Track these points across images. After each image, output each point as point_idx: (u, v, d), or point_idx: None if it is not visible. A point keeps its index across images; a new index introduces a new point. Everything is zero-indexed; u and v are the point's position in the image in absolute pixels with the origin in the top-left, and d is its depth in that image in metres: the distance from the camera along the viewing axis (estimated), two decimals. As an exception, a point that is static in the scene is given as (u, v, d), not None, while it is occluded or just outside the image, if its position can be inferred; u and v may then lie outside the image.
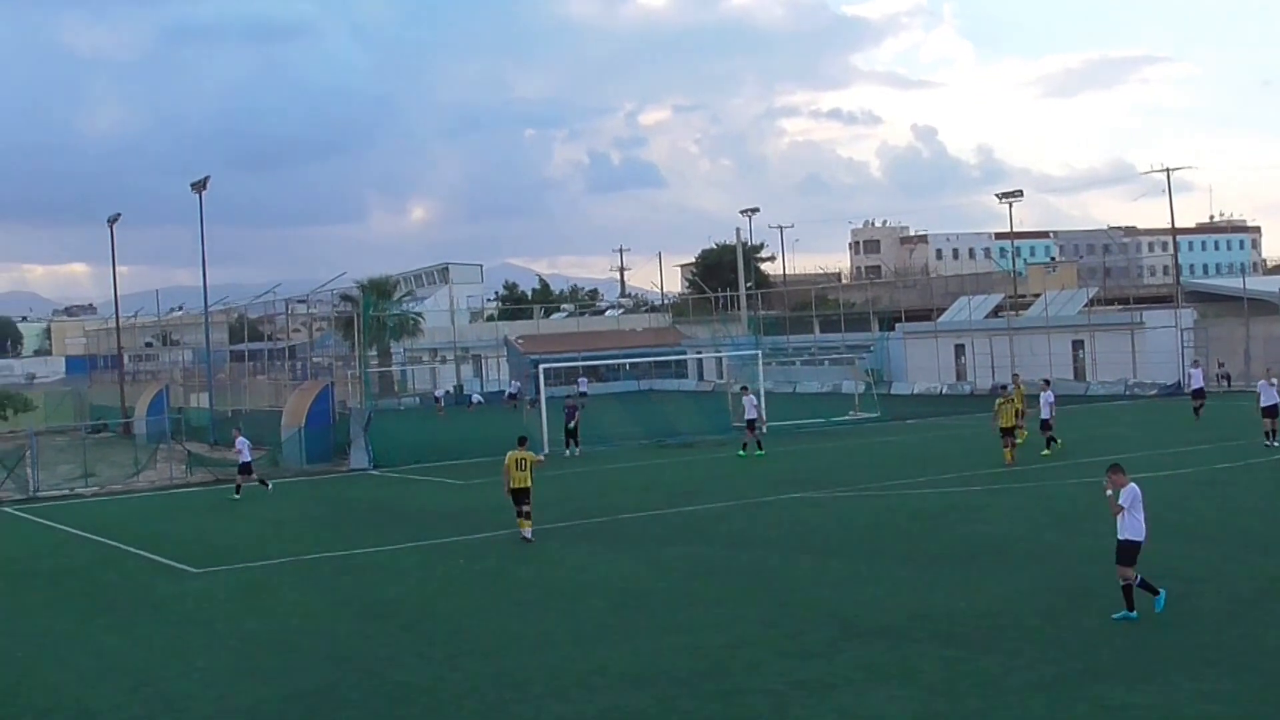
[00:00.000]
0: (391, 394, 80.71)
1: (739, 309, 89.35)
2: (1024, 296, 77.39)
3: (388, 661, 15.68)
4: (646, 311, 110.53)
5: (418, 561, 23.34)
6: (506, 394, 76.19)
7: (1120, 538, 15.67)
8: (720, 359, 74.57)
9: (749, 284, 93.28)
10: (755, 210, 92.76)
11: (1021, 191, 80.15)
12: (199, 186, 56.57)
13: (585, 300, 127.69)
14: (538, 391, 48.60)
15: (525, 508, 24.12)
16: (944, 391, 66.73)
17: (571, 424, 43.04)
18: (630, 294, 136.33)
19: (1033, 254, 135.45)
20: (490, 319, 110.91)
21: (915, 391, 67.80)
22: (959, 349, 70.87)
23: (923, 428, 46.95)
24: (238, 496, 34.22)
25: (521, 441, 25.00)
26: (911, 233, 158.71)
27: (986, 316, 72.12)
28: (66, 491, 39.19)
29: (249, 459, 35.08)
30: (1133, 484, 15.90)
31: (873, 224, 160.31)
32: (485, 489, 34.19)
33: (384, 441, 43.06)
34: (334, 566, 23.20)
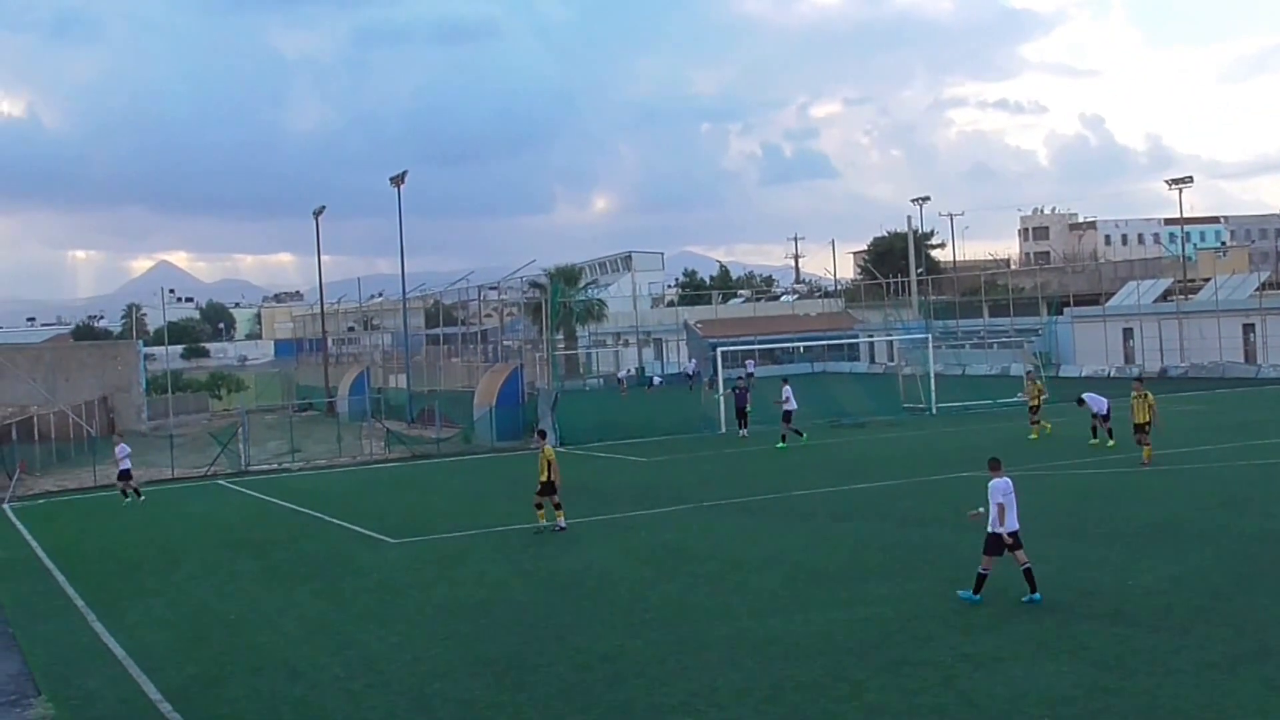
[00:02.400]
0: (577, 375, 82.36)
1: (910, 294, 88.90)
2: (1193, 281, 76.35)
3: (572, 629, 16.33)
4: (820, 297, 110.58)
5: (601, 534, 24.06)
6: (685, 374, 77.16)
7: (990, 530, 16.36)
8: (891, 342, 74.46)
9: (920, 270, 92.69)
10: (926, 199, 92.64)
11: (1191, 178, 77.79)
12: (397, 181, 58.82)
13: (761, 286, 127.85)
14: (715, 373, 49.21)
15: (556, 498, 24.34)
16: (1112, 374, 65.58)
17: (747, 406, 43.53)
18: (805, 280, 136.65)
19: (1203, 239, 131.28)
20: (671, 304, 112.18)
21: (1083, 374, 66.90)
22: (1127, 333, 70.23)
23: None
24: (127, 500, 32.92)
25: (543, 435, 25.64)
26: (1080, 219, 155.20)
27: (1155, 301, 71.42)
28: (275, 466, 41.29)
29: (128, 467, 33.95)
30: (1005, 479, 16.46)
31: (1041, 211, 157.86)
32: (666, 466, 35.05)
33: (570, 420, 44.26)
34: (522, 538, 24.06)
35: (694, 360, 78.66)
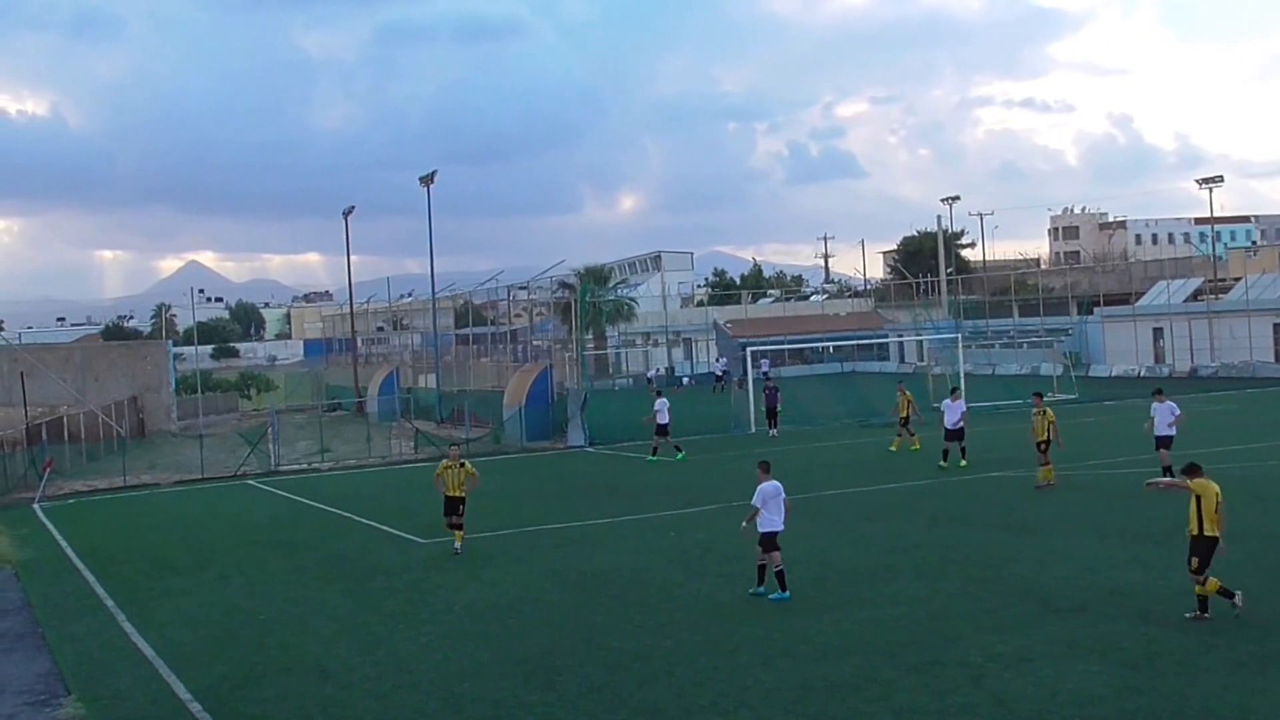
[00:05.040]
0: (606, 375, 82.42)
1: (939, 294, 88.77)
2: (1224, 280, 76.08)
3: (602, 629, 16.37)
4: (850, 297, 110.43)
5: (630, 534, 24.09)
6: (715, 375, 77.21)
7: (760, 530, 17.41)
8: (921, 342, 74.39)
9: (950, 270, 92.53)
10: (956, 198, 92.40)
11: (1222, 177, 77.27)
12: (427, 180, 58.86)
13: (791, 286, 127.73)
14: (745, 373, 49.19)
15: (456, 518, 22.81)
16: (1142, 374, 65.45)
17: (777, 406, 43.55)
18: (834, 280, 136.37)
19: (1233, 238, 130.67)
20: (700, 304, 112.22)
21: (1113, 374, 66.80)
22: (1157, 332, 70.16)
23: (1121, 409, 45.90)
24: None
25: (452, 449, 24.30)
26: (1110, 219, 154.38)
27: (1185, 300, 71.26)
28: (305, 466, 41.48)
29: None
30: (772, 481, 17.57)
31: (1071, 210, 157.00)
32: (695, 465, 34.99)
33: (599, 420, 44.30)
34: (551, 538, 24.17)
35: (725, 359, 78.73)
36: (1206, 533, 15.00)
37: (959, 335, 56.88)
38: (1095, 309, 74.93)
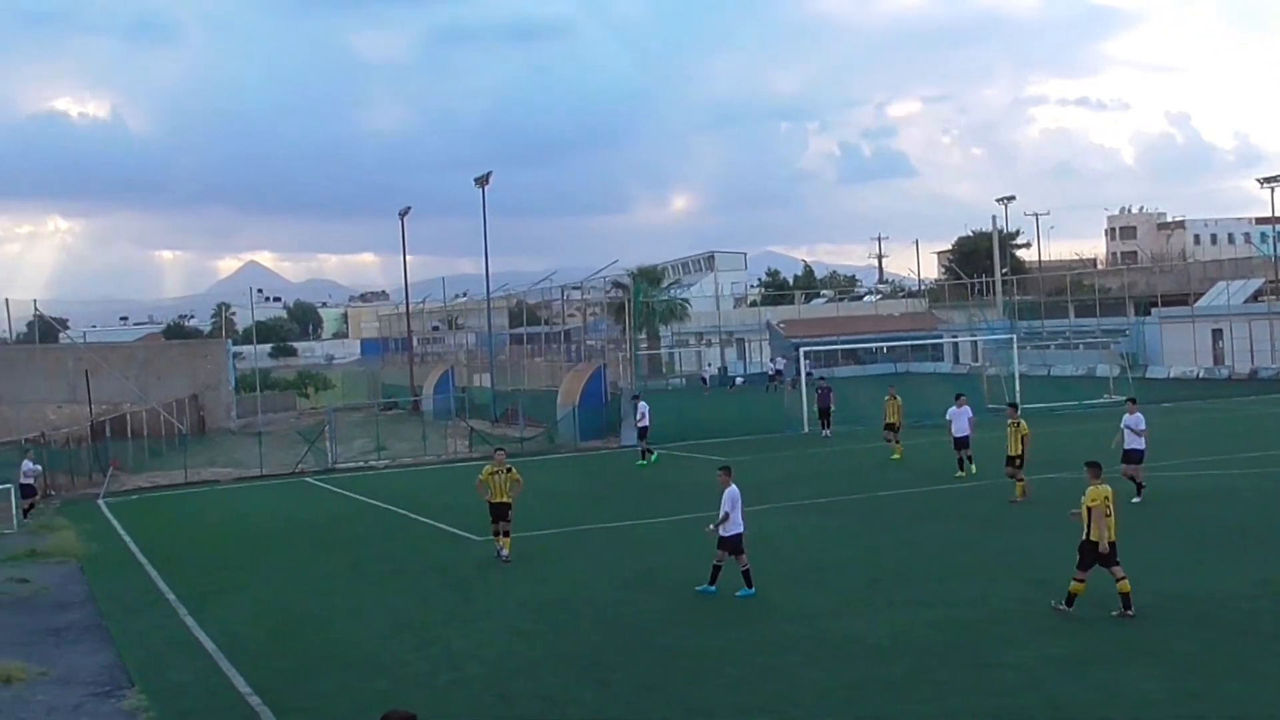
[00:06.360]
0: (659, 375, 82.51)
1: (994, 294, 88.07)
2: (1286, 281, 74.15)
3: (652, 628, 16.42)
4: (904, 297, 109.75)
5: (682, 533, 24.04)
6: (769, 374, 77.17)
7: (723, 534, 17.87)
8: (975, 343, 73.87)
9: (1005, 270, 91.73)
10: (1011, 198, 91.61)
11: (1283, 175, 75.93)
12: (482, 181, 59.10)
13: (844, 286, 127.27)
14: (798, 373, 49.06)
15: (504, 524, 21.88)
16: (1200, 375, 64.56)
17: (831, 406, 43.49)
18: (888, 280, 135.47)
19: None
20: (753, 304, 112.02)
21: (1171, 375, 65.98)
22: (1216, 333, 69.04)
23: (1178, 411, 45.28)
24: (27, 520, 30.94)
25: (498, 452, 23.36)
26: (1168, 219, 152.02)
27: (1246, 301, 70.18)
28: (361, 464, 41.83)
29: (30, 481, 32.23)
30: (734, 487, 17.90)
31: (1129, 210, 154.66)
32: (748, 466, 34.85)
33: (652, 419, 44.29)
34: (603, 537, 24.28)
35: (782, 359, 78.63)
36: (1091, 537, 15.48)
37: (1014, 336, 56.52)
38: (1153, 310, 74.08)
